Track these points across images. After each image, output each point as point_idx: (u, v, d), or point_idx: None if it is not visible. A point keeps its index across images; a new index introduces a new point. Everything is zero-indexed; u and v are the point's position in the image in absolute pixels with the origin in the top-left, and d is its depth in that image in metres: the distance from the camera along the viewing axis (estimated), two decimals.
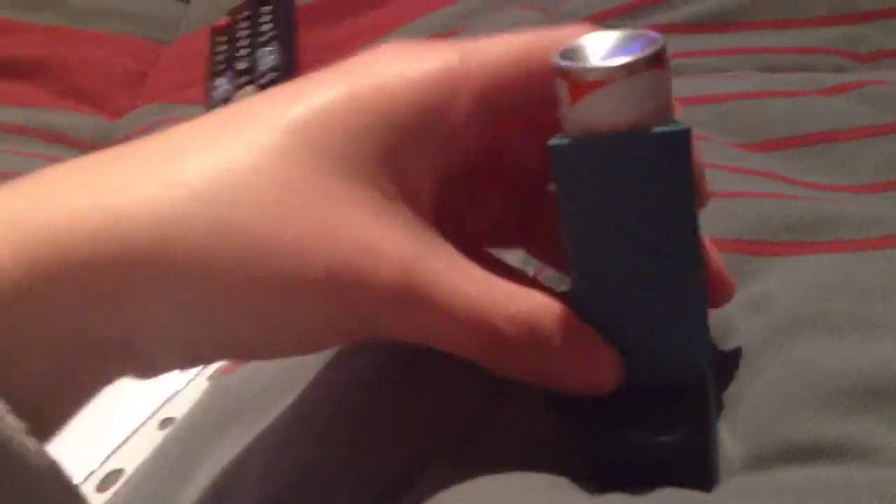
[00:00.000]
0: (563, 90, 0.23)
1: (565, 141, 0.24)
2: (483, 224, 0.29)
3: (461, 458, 0.27)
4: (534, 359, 0.24)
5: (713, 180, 0.30)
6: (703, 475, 0.25)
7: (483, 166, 0.26)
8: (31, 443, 0.19)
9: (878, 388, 0.26)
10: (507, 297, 0.23)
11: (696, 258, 0.25)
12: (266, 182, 0.21)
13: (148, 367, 0.24)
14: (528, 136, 0.26)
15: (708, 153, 0.39)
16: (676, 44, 0.52)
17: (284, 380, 0.33)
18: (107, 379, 0.24)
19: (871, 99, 0.43)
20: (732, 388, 0.28)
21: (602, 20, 0.58)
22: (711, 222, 0.33)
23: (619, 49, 0.24)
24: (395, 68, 0.21)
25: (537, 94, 0.24)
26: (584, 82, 0.23)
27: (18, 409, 0.19)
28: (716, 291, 0.28)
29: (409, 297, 0.22)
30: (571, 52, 0.24)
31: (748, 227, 0.33)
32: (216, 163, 0.21)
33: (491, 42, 0.23)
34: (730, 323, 0.30)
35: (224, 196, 0.21)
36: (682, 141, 0.23)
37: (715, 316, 0.29)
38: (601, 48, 0.24)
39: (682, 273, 0.25)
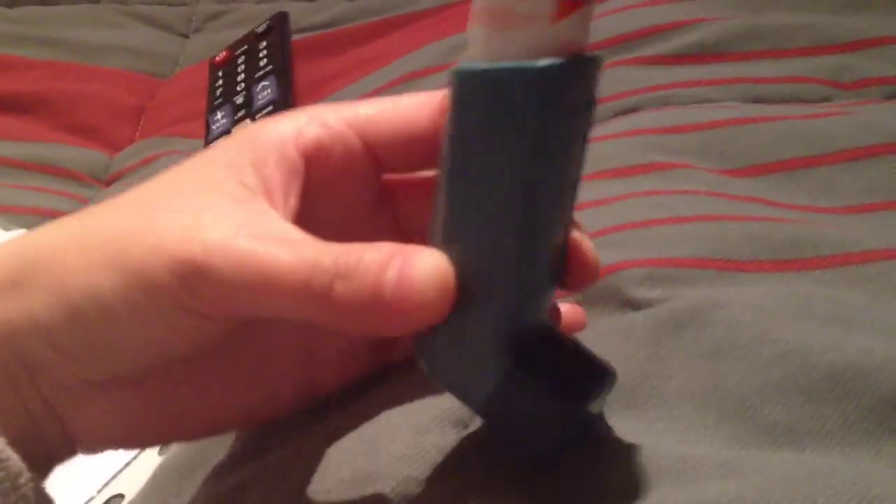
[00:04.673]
0: (539, 5, 0.22)
1: (552, 61, 0.22)
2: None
3: None
4: (343, 306, 0.24)
5: (696, 206, 0.30)
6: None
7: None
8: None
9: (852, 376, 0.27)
10: (316, 249, 0.25)
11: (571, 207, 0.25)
12: (141, 190, 0.28)
13: None
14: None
15: (690, 180, 0.40)
16: (663, 75, 0.53)
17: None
18: None
19: (854, 123, 0.44)
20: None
21: None
22: (693, 243, 0.34)
23: None
24: (265, 126, 0.30)
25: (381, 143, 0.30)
26: None
27: None
28: (580, 271, 0.27)
29: (195, 258, 0.25)
30: None
31: (732, 247, 0.34)
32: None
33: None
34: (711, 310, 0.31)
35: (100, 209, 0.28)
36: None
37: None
38: None
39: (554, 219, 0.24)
